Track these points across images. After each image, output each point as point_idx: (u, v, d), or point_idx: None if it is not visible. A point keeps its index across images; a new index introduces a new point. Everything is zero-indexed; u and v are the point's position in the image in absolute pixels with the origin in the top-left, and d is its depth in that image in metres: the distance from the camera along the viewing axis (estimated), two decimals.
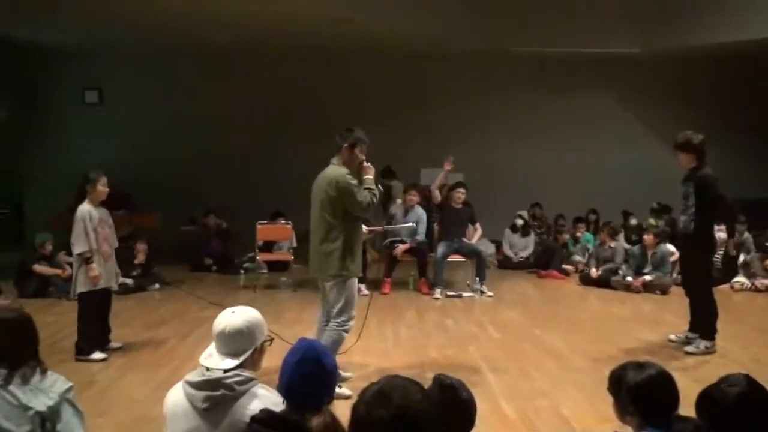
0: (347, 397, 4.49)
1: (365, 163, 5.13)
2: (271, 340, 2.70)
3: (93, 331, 5.85)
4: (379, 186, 5.32)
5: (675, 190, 6.45)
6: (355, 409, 1.86)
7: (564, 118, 13.09)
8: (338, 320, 5.00)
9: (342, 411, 2.10)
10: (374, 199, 4.99)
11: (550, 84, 13.01)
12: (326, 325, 5.16)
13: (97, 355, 5.78)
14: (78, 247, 5.72)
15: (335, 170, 5.01)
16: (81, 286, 5.78)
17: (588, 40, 11.84)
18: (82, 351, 5.76)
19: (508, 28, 11.72)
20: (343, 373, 4.89)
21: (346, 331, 5.05)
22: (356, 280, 5.11)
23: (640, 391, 2.46)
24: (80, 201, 5.90)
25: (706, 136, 6.15)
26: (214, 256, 10.86)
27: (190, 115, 12.68)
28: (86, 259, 5.72)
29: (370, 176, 5.10)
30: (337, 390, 4.41)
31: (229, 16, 10.07)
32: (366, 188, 5.00)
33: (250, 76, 12.79)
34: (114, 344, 6.10)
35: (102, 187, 5.91)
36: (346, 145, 5.07)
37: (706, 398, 2.37)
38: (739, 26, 10.96)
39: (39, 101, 12.67)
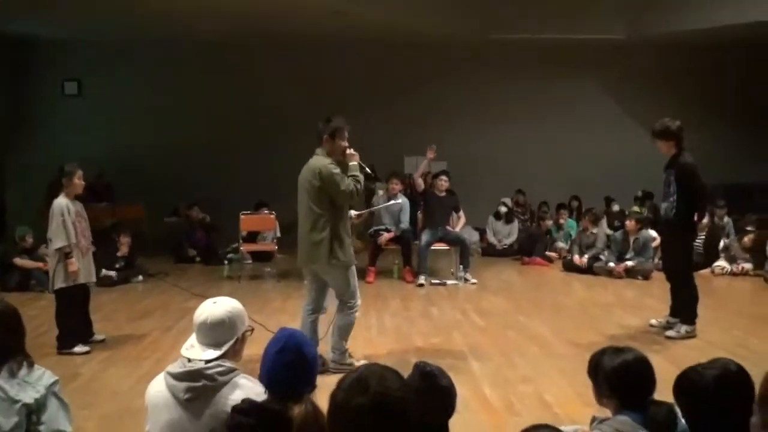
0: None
1: (348, 150, 5.15)
2: (252, 330, 2.70)
3: (74, 325, 5.80)
4: (367, 169, 5.36)
5: (657, 177, 6.50)
6: (333, 396, 1.87)
7: (548, 105, 13.13)
8: (348, 304, 5.17)
9: (324, 399, 2.10)
10: (358, 186, 5.03)
11: (534, 71, 13.04)
12: (312, 313, 5.28)
13: (80, 348, 5.73)
14: (57, 242, 5.61)
15: (319, 160, 5.04)
16: (60, 282, 5.68)
17: (573, 26, 11.87)
18: (64, 345, 5.72)
19: (492, 15, 11.74)
20: (356, 363, 5.05)
21: (356, 312, 5.21)
22: (354, 266, 5.18)
23: (616, 376, 2.49)
24: (53, 194, 5.81)
25: (687, 122, 6.20)
26: (198, 247, 10.82)
27: (171, 106, 12.62)
28: (66, 254, 5.63)
29: (354, 162, 5.12)
30: (356, 363, 4.95)
31: (214, 7, 10.00)
32: (350, 175, 5.03)
33: (232, 67, 12.74)
34: (97, 337, 6.07)
35: (78, 180, 5.81)
36: (326, 135, 5.10)
37: (684, 380, 2.39)
38: (721, 11, 11.02)
39: (18, 93, 12.54)
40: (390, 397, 1.80)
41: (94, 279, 6.15)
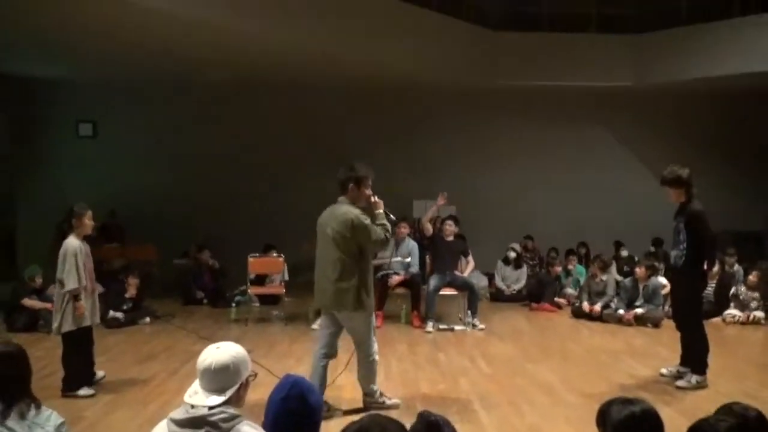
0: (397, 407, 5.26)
1: (374, 198, 5.24)
2: (255, 375, 2.69)
3: (79, 367, 5.78)
4: (391, 216, 5.43)
5: (666, 223, 6.49)
6: None
7: (557, 151, 13.22)
8: (369, 351, 5.26)
9: None
10: (387, 235, 5.14)
11: (542, 117, 13.16)
12: (324, 357, 5.30)
13: (85, 391, 5.71)
14: (70, 283, 5.60)
15: (348, 210, 5.11)
16: (68, 325, 5.66)
17: (579, 73, 12.02)
18: (69, 387, 5.69)
19: (499, 63, 11.90)
20: (388, 401, 5.35)
21: (376, 357, 5.31)
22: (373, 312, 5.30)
23: (622, 428, 2.46)
24: (62, 235, 5.81)
25: (696, 169, 6.22)
26: (205, 290, 10.81)
27: (183, 149, 12.77)
28: (75, 297, 5.63)
29: (380, 211, 5.22)
30: (387, 402, 5.32)
31: (224, 54, 10.22)
32: (378, 224, 5.12)
33: (242, 111, 12.92)
34: (98, 374, 6.04)
35: (88, 221, 5.83)
36: (351, 184, 5.18)
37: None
38: (729, 61, 11.15)
39: (33, 134, 12.72)
40: None
41: (98, 320, 6.14)
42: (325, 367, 5.32)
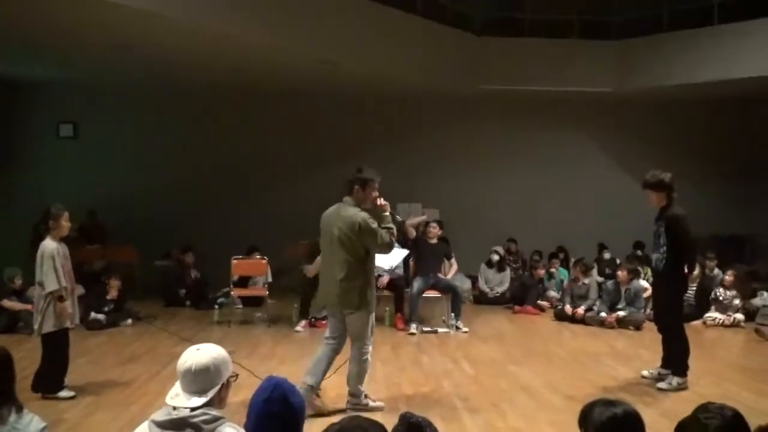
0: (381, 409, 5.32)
1: (379, 201, 5.34)
2: (236, 375, 2.68)
3: (60, 369, 5.73)
4: (398, 217, 5.53)
5: (647, 226, 6.55)
6: None
7: (539, 155, 13.28)
8: (364, 350, 5.34)
9: None
10: (392, 238, 5.23)
11: (525, 122, 13.22)
12: (333, 342, 5.42)
13: (66, 392, 5.66)
14: (50, 285, 5.55)
15: (355, 213, 5.18)
16: (50, 326, 5.61)
17: (559, 78, 12.09)
18: (50, 389, 5.64)
19: (481, 67, 11.94)
20: (372, 403, 5.39)
21: (368, 357, 5.39)
22: (371, 315, 5.37)
23: (604, 429, 2.47)
24: (39, 236, 5.77)
25: (677, 174, 6.28)
26: (188, 290, 10.73)
27: (166, 151, 12.68)
28: (59, 297, 5.58)
29: (386, 213, 5.31)
30: (371, 404, 5.37)
31: (209, 58, 10.16)
32: (384, 227, 5.21)
33: (226, 114, 12.87)
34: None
35: (65, 222, 5.75)
36: (357, 185, 5.27)
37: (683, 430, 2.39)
38: (709, 68, 11.28)
39: (12, 134, 12.58)
40: None
41: (77, 321, 6.07)
42: (333, 355, 5.44)
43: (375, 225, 5.15)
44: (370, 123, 13.05)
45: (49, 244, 5.64)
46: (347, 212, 5.20)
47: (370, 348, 5.41)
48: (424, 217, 9.06)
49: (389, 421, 2.33)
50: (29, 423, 2.63)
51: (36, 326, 5.70)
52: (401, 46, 10.88)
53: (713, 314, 9.43)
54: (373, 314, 5.40)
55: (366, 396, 5.47)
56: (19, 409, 2.66)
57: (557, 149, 13.27)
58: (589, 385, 6.23)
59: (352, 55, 10.31)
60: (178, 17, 8.14)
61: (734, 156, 13.29)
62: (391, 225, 5.27)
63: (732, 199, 13.21)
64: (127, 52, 9.63)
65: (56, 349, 5.70)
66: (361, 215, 5.16)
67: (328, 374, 5.48)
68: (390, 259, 6.08)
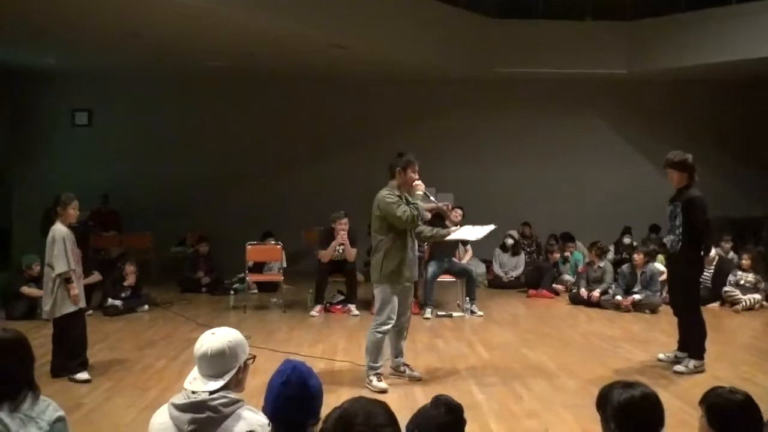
0: (419, 379, 5.74)
1: (416, 182, 5.59)
2: (254, 357, 2.70)
3: (77, 350, 5.81)
4: (431, 198, 5.85)
5: (663, 210, 6.49)
6: None
7: (553, 138, 13.19)
8: (375, 323, 5.59)
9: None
10: (415, 213, 5.41)
11: (539, 104, 13.12)
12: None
13: (82, 375, 5.73)
14: (60, 266, 5.65)
15: (381, 191, 5.58)
16: (66, 308, 5.72)
17: (573, 61, 11.98)
18: (70, 370, 5.73)
19: (494, 49, 11.86)
20: (375, 382, 5.52)
21: (381, 333, 5.55)
22: (395, 288, 5.55)
23: (621, 411, 2.47)
24: (49, 222, 5.86)
25: (693, 157, 6.22)
26: (204, 275, 10.76)
27: (180, 137, 12.72)
28: (66, 279, 5.67)
29: (419, 192, 5.58)
30: (410, 373, 5.76)
31: (220, 43, 10.15)
32: (411, 203, 5.48)
33: (242, 99, 12.86)
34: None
35: (73, 211, 5.86)
36: (399, 168, 5.57)
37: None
38: (726, 48, 11.12)
39: (28, 122, 12.66)
40: None
41: (84, 305, 6.09)
42: (395, 333, 5.72)
43: (394, 199, 5.42)
44: (385, 108, 13.00)
45: (60, 228, 5.74)
46: (379, 193, 5.55)
47: (386, 327, 5.54)
48: (439, 204, 9.02)
49: (405, 405, 2.34)
50: (44, 410, 2.55)
51: (46, 308, 5.80)
52: (414, 30, 10.82)
53: (732, 289, 9.28)
54: (395, 289, 5.53)
55: (376, 374, 5.56)
56: (36, 396, 2.57)
57: (571, 132, 13.18)
58: (604, 368, 6.21)
59: (362, 38, 10.26)
60: (187, 2, 8.13)
61: (750, 138, 13.14)
62: (418, 202, 5.49)
63: (748, 181, 13.09)
64: (138, 38, 9.64)
65: (71, 330, 5.79)
66: (383, 193, 5.50)
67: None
68: (476, 233, 6.23)
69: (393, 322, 5.56)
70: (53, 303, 5.73)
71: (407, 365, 5.87)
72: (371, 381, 5.53)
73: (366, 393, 5.08)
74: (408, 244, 5.58)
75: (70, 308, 5.74)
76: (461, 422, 2.34)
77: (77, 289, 5.73)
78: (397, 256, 5.49)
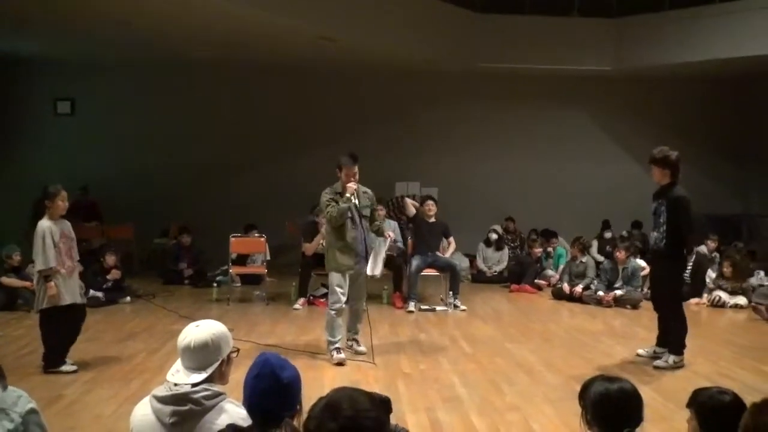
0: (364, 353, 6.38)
1: (348, 184, 6.21)
2: (237, 351, 2.69)
3: (57, 344, 5.74)
4: (354, 200, 6.20)
5: (645, 206, 6.54)
6: (305, 426, 1.86)
7: (537, 133, 13.25)
8: (329, 304, 6.34)
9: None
10: (335, 214, 6.13)
11: (525, 99, 13.16)
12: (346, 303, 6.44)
13: (67, 367, 5.69)
14: (39, 263, 5.58)
15: (326, 189, 6.33)
16: (42, 303, 5.66)
17: (558, 57, 12.03)
18: (50, 364, 5.68)
19: (479, 45, 11.87)
20: (357, 347, 6.47)
21: (333, 311, 6.25)
22: (340, 274, 6.25)
23: (599, 405, 2.50)
24: (37, 215, 5.76)
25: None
26: (186, 267, 10.72)
27: (163, 128, 12.64)
28: (45, 277, 5.58)
29: (347, 195, 6.18)
30: (357, 347, 6.46)
31: (208, 32, 10.08)
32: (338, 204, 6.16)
33: (225, 91, 12.79)
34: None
35: (61, 202, 5.73)
36: (336, 168, 6.30)
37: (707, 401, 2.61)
38: (706, 48, 11.23)
39: (9, 111, 12.52)
40: (362, 419, 1.80)
41: (79, 299, 5.96)
42: (352, 314, 6.58)
43: (326, 200, 6.20)
44: (369, 100, 13.00)
45: (42, 224, 5.63)
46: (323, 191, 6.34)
47: (337, 305, 6.22)
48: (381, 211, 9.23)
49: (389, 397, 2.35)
50: (16, 402, 2.49)
51: (36, 302, 5.77)
52: (399, 23, 10.80)
53: (720, 293, 9.33)
54: (339, 275, 6.21)
55: (335, 348, 6.21)
56: (4, 386, 2.49)
57: (556, 128, 13.24)
58: (586, 363, 6.26)
59: (349, 31, 10.23)
60: None
61: (732, 135, 13.27)
62: (339, 202, 6.13)
63: (731, 178, 13.22)
64: (125, 26, 9.55)
65: (52, 324, 5.72)
66: (325, 191, 6.30)
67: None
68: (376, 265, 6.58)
69: (341, 304, 6.23)
70: (38, 296, 5.70)
71: (355, 340, 6.55)
72: (332, 355, 6.14)
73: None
74: (346, 236, 6.21)
75: (49, 304, 5.63)
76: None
77: (54, 288, 5.57)
78: (335, 246, 6.24)
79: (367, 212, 6.38)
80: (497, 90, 13.10)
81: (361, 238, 6.27)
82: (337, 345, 6.21)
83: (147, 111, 12.68)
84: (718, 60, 11.22)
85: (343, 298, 6.24)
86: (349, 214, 6.20)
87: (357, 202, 6.23)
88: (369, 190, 6.51)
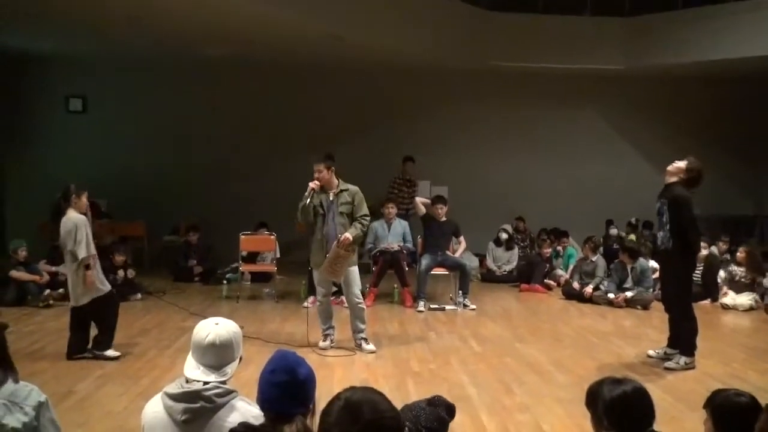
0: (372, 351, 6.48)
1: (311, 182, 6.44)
2: (240, 358, 2.69)
3: (110, 329, 6.12)
4: (306, 198, 6.38)
5: (654, 205, 6.51)
6: (321, 428, 1.85)
7: (549, 132, 13.20)
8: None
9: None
10: (299, 211, 6.44)
11: (534, 99, 13.12)
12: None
13: (112, 352, 6.02)
14: (82, 252, 5.81)
15: None
16: (93, 293, 5.94)
17: (570, 56, 11.98)
18: (100, 345, 6.03)
19: (490, 43, 11.84)
20: (366, 346, 6.54)
21: (319, 302, 6.70)
22: (316, 270, 6.63)
23: (614, 407, 2.49)
24: (59, 212, 5.96)
25: (689, 154, 6.25)
26: (196, 264, 10.75)
27: (175, 126, 12.65)
28: (86, 266, 5.84)
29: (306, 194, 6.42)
30: (365, 346, 6.51)
31: (218, 31, 10.09)
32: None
33: (236, 88, 12.78)
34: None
35: (85, 199, 6.11)
36: None
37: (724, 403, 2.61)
38: (719, 47, 11.16)
39: (22, 108, 12.57)
40: (386, 420, 1.79)
41: (107, 288, 6.22)
42: (349, 309, 6.77)
43: (302, 202, 6.37)
44: (380, 99, 12.98)
45: (76, 216, 5.92)
46: None
47: (321, 298, 6.61)
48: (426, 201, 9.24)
49: (397, 397, 2.34)
50: (27, 396, 2.51)
51: (74, 295, 5.97)
52: (409, 21, 10.78)
53: (731, 296, 9.27)
54: (317, 272, 6.56)
55: (323, 337, 6.63)
56: (15, 380, 2.52)
57: (567, 126, 13.20)
58: (595, 363, 6.24)
59: (359, 29, 10.21)
60: None
61: (745, 135, 13.18)
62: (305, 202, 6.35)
63: (744, 179, 13.14)
64: (137, 23, 9.57)
65: (109, 308, 6.12)
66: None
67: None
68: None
69: (321, 297, 6.62)
70: (82, 288, 5.91)
71: (364, 339, 6.59)
72: (318, 344, 6.55)
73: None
74: (316, 235, 6.52)
75: (96, 293, 5.95)
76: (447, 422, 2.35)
77: (93, 275, 5.91)
78: (311, 243, 6.63)
79: (344, 209, 6.47)
80: (508, 88, 13.06)
81: (334, 234, 6.40)
82: (326, 333, 6.64)
83: (159, 108, 12.70)
84: (730, 59, 11.15)
85: (323, 291, 6.60)
86: (321, 211, 6.44)
87: (315, 200, 6.42)
88: (352, 187, 6.57)
